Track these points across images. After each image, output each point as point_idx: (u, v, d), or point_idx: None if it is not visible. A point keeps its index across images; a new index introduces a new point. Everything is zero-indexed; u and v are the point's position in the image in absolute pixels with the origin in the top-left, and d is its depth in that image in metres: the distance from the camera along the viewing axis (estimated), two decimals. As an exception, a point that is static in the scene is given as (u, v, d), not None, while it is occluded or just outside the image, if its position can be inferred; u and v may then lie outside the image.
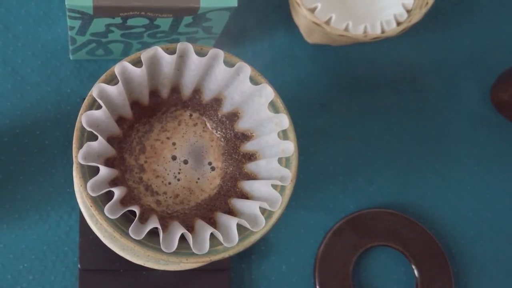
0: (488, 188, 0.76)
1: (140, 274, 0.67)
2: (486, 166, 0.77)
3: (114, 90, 0.51)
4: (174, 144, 0.56)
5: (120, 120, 0.55)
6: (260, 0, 0.77)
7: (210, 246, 0.51)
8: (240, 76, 0.53)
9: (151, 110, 0.56)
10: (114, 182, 0.53)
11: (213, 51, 0.52)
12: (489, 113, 0.78)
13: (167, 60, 0.52)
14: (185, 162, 0.56)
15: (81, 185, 0.50)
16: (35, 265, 0.68)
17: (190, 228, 0.53)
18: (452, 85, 0.79)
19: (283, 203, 0.52)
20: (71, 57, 0.71)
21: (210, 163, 0.56)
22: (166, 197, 0.55)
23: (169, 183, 0.55)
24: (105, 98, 0.52)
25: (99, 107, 0.52)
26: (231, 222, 0.51)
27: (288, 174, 0.52)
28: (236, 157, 0.56)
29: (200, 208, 0.55)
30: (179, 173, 0.56)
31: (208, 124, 0.57)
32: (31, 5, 0.72)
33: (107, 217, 0.50)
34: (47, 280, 0.68)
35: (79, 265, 0.66)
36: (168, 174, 0.56)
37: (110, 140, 0.54)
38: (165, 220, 0.54)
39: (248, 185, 0.55)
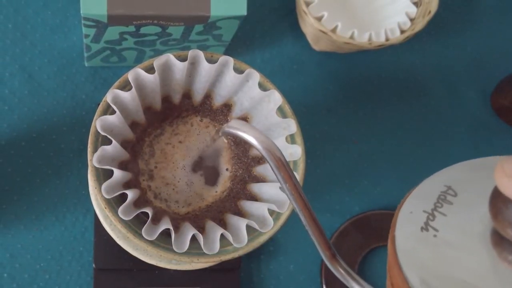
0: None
1: (152, 273, 0.66)
2: None
3: (127, 96, 0.52)
4: (185, 148, 0.56)
5: (133, 125, 0.55)
6: (269, 9, 0.77)
7: (220, 247, 0.51)
8: (249, 82, 0.53)
9: (163, 115, 0.56)
10: (127, 185, 0.53)
11: (223, 58, 0.52)
12: (489, 118, 0.78)
13: (179, 67, 0.52)
14: (196, 166, 0.56)
15: (95, 188, 0.51)
16: (51, 264, 0.68)
17: (201, 229, 0.53)
18: (454, 91, 0.78)
19: (290, 204, 0.52)
20: (86, 64, 0.71)
21: (221, 167, 0.57)
22: (178, 205, 0.55)
23: (180, 190, 0.56)
24: (119, 103, 0.52)
25: (113, 112, 0.52)
26: (241, 223, 0.52)
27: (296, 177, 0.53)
28: (246, 160, 0.56)
29: (211, 210, 0.56)
30: (189, 178, 0.56)
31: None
32: (48, 13, 0.72)
33: (121, 218, 0.50)
34: (63, 279, 0.68)
35: (93, 265, 0.66)
36: (178, 181, 0.56)
37: (124, 144, 0.54)
38: (177, 221, 0.54)
39: (257, 188, 0.55)
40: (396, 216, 0.42)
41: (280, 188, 0.53)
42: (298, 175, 0.53)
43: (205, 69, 0.53)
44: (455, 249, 0.37)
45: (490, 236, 0.37)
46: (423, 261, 0.37)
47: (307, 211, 0.44)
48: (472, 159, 0.43)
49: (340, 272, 0.44)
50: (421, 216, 0.39)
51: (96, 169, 0.51)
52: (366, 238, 0.72)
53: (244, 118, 0.56)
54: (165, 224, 0.51)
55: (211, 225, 0.53)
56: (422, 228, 0.39)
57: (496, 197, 0.36)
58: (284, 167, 0.43)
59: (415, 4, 0.73)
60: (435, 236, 0.38)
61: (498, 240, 0.36)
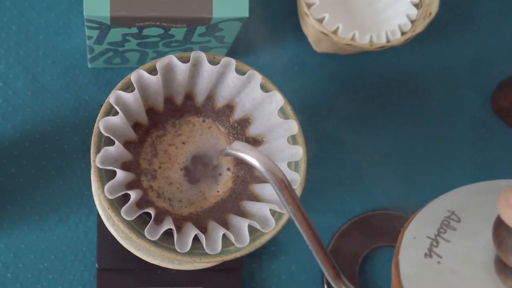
0: (491, 192, 0.76)
1: (155, 273, 0.66)
2: (486, 170, 0.77)
3: (130, 97, 0.52)
4: (188, 149, 0.57)
5: (136, 126, 0.55)
6: (271, 11, 0.77)
7: (223, 247, 0.52)
8: (251, 84, 0.54)
9: (166, 116, 0.57)
10: (130, 185, 0.53)
11: (225, 59, 0.53)
12: (489, 119, 0.78)
13: (181, 68, 0.53)
14: (198, 167, 0.57)
15: (98, 188, 0.51)
16: (54, 264, 0.68)
17: (203, 229, 0.53)
18: (454, 92, 0.78)
19: None
20: (89, 65, 0.72)
21: (223, 168, 0.57)
22: (181, 205, 0.56)
23: (183, 190, 0.56)
24: (122, 104, 0.52)
25: (116, 113, 0.52)
26: (243, 224, 0.52)
27: (297, 178, 0.53)
28: None
29: (213, 210, 0.56)
30: (191, 179, 0.56)
31: (220, 130, 0.58)
32: (51, 15, 0.73)
33: (123, 218, 0.50)
34: (66, 279, 0.68)
35: (96, 265, 0.66)
36: (182, 181, 0.56)
37: (127, 145, 0.54)
38: (179, 222, 0.54)
39: (259, 188, 0.55)
40: (400, 241, 0.41)
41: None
42: (300, 176, 0.53)
43: (207, 70, 0.53)
44: (459, 277, 0.37)
45: (494, 264, 0.37)
46: None
47: (310, 232, 0.44)
48: (475, 183, 0.42)
49: None
50: (425, 242, 0.39)
51: (99, 169, 0.51)
52: (367, 238, 0.72)
53: (246, 119, 0.56)
54: (168, 224, 0.51)
55: (213, 226, 0.53)
56: (426, 255, 0.38)
57: (500, 226, 0.35)
58: (286, 188, 0.44)
59: (416, 6, 0.73)
60: (438, 263, 0.38)
61: (502, 268, 0.36)
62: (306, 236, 0.44)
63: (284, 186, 0.44)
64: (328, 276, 0.44)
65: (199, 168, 0.57)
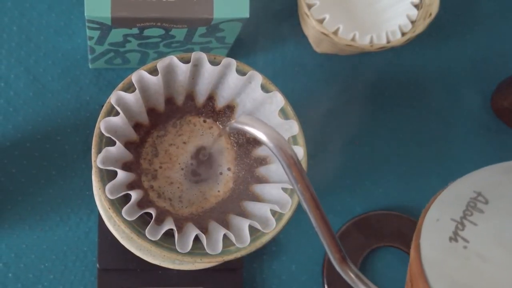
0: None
1: (156, 273, 0.66)
2: None
3: (131, 98, 0.52)
4: (188, 149, 0.57)
5: (137, 126, 0.55)
6: (271, 11, 0.77)
7: (223, 247, 0.52)
8: (252, 84, 0.54)
9: (167, 116, 0.57)
10: (131, 186, 0.53)
11: (226, 60, 0.53)
12: (489, 119, 0.78)
13: (182, 69, 0.53)
14: (199, 167, 0.56)
15: (99, 188, 0.51)
16: (56, 264, 0.68)
17: (204, 229, 0.53)
18: (454, 93, 0.79)
19: (293, 205, 0.53)
20: (90, 66, 0.72)
21: (224, 167, 0.57)
22: (182, 205, 0.56)
23: (184, 190, 0.56)
24: (123, 105, 0.52)
25: (117, 113, 0.52)
26: (243, 224, 0.52)
27: None
28: (248, 161, 0.57)
29: (214, 210, 0.56)
30: (193, 178, 0.56)
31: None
32: (52, 16, 0.73)
33: (124, 219, 0.50)
34: (67, 279, 0.68)
35: (97, 265, 0.66)
36: (183, 181, 0.56)
37: (128, 145, 0.54)
38: (180, 222, 0.54)
39: (259, 188, 0.55)
40: (421, 223, 0.39)
41: (283, 189, 0.53)
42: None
43: (208, 71, 0.53)
44: (488, 263, 0.35)
45: None
46: (453, 275, 0.35)
47: (318, 213, 0.42)
48: (502, 163, 0.40)
49: (349, 275, 0.42)
50: (449, 225, 0.37)
51: (100, 170, 0.52)
52: (368, 239, 0.72)
53: (247, 120, 0.56)
54: (169, 225, 0.51)
55: (214, 226, 0.53)
56: (450, 238, 0.36)
57: None
58: (296, 166, 0.42)
59: (416, 6, 0.73)
60: (465, 247, 0.36)
61: None
62: (313, 217, 0.42)
63: (293, 163, 0.41)
64: (333, 260, 0.42)
65: (204, 168, 0.57)
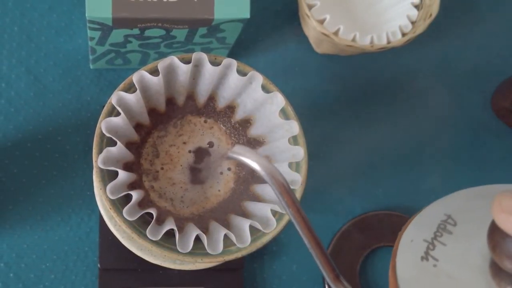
0: (491, 192, 0.76)
1: (157, 273, 0.66)
2: (486, 171, 0.77)
3: (132, 98, 0.52)
4: (189, 150, 0.57)
5: (138, 127, 0.55)
6: (272, 12, 0.77)
7: (224, 247, 0.51)
8: (253, 85, 0.54)
9: (167, 117, 0.57)
10: (132, 186, 0.53)
11: (226, 60, 0.53)
12: (489, 119, 0.78)
13: (183, 69, 0.53)
14: (200, 167, 0.56)
15: (100, 189, 0.51)
16: (57, 264, 0.68)
17: (205, 229, 0.53)
18: (454, 93, 0.79)
19: None
20: (91, 66, 0.72)
21: (224, 167, 0.57)
22: (183, 205, 0.56)
23: (185, 190, 0.56)
24: (124, 105, 0.52)
25: (118, 114, 0.52)
26: (244, 224, 0.52)
27: (298, 178, 0.53)
28: None
29: (215, 210, 0.56)
30: (194, 178, 0.56)
31: (222, 130, 0.58)
32: (53, 16, 0.73)
33: (125, 219, 0.50)
34: (68, 279, 0.68)
35: (98, 265, 0.66)
36: (183, 181, 0.56)
37: (128, 145, 0.54)
38: (181, 222, 0.54)
39: (260, 189, 0.55)
40: (397, 244, 0.42)
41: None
42: (301, 176, 0.53)
43: (209, 71, 0.53)
44: (455, 280, 0.37)
45: (489, 267, 0.37)
46: None
47: (310, 235, 0.44)
48: (472, 188, 0.43)
49: None
50: (422, 245, 0.39)
51: (101, 170, 0.52)
52: (368, 239, 0.72)
53: (247, 120, 0.56)
54: (169, 225, 0.51)
55: (214, 226, 0.53)
56: (422, 258, 0.39)
57: (494, 230, 0.36)
58: (287, 192, 0.44)
59: (416, 7, 0.73)
60: (435, 266, 0.38)
61: (497, 271, 0.37)
62: (306, 239, 0.44)
63: (284, 190, 0.44)
64: (328, 279, 0.44)
65: (204, 168, 0.57)
